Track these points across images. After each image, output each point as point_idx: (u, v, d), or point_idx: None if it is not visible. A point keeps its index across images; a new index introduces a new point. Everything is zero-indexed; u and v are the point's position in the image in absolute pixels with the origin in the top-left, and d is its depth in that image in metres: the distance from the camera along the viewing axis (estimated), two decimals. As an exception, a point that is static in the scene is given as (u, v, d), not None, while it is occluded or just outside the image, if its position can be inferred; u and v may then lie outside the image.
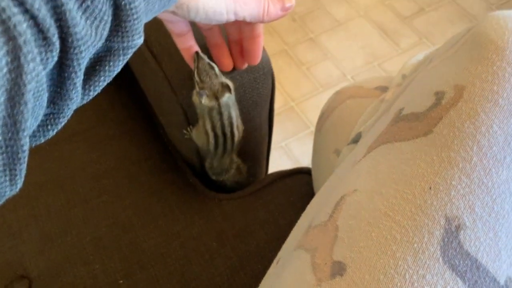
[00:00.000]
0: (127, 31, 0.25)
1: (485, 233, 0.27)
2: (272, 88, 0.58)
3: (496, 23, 0.31)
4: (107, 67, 0.25)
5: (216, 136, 0.50)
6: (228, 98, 0.48)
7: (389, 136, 0.32)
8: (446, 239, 0.27)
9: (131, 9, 0.24)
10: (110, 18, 0.23)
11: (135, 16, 0.24)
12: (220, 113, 0.48)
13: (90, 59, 0.25)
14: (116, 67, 0.26)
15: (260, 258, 0.53)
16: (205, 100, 0.47)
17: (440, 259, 0.26)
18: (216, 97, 0.47)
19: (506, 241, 0.27)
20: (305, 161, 1.15)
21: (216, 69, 0.47)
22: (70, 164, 0.60)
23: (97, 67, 0.25)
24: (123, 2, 0.23)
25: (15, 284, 0.52)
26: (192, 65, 0.46)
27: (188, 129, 0.54)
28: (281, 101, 1.25)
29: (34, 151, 0.61)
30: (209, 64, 0.46)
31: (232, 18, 0.37)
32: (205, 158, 0.57)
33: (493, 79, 0.29)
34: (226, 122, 0.49)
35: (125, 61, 0.26)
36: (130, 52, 0.26)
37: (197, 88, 0.47)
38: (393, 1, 1.48)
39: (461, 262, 0.26)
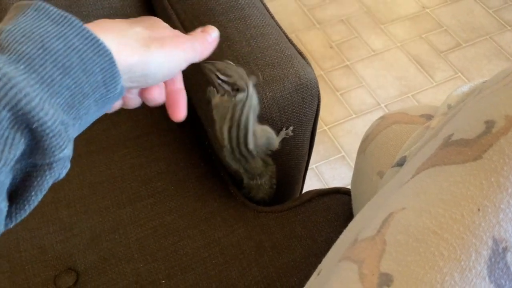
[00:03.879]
0: (45, 149, 0.25)
1: (532, 257, 0.28)
2: (317, 109, 0.60)
3: None
4: (35, 183, 0.26)
5: (230, 128, 0.52)
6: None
7: (438, 160, 0.34)
8: (493, 259, 0.28)
9: (44, 130, 0.25)
10: (17, 141, 0.24)
11: (50, 135, 0.25)
12: (242, 107, 0.50)
13: (16, 176, 0.26)
14: (45, 181, 0.26)
15: (297, 272, 0.55)
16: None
17: (487, 278, 0.28)
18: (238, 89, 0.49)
19: None
20: (334, 184, 1.16)
21: (229, 61, 0.49)
22: (121, 167, 0.64)
23: (27, 183, 0.26)
24: (33, 126, 0.24)
25: (64, 276, 0.55)
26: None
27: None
28: (314, 124, 1.27)
29: (88, 155, 0.65)
30: (224, 62, 0.48)
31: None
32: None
33: None
34: (243, 118, 0.50)
35: (56, 174, 0.27)
36: (57, 166, 0.26)
37: (226, 87, 0.49)
38: (430, 34, 1.50)
39: (508, 282, 0.28)
